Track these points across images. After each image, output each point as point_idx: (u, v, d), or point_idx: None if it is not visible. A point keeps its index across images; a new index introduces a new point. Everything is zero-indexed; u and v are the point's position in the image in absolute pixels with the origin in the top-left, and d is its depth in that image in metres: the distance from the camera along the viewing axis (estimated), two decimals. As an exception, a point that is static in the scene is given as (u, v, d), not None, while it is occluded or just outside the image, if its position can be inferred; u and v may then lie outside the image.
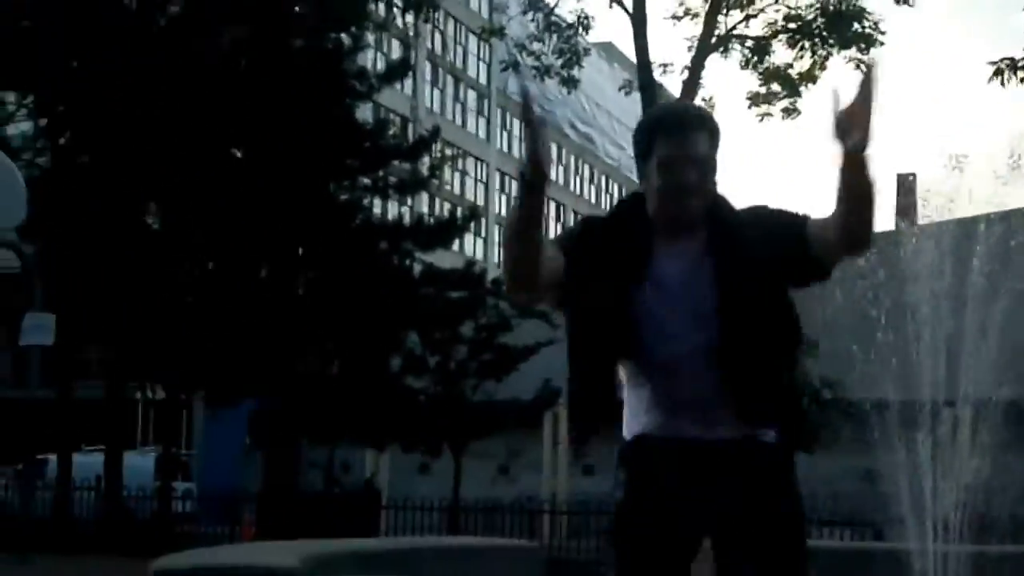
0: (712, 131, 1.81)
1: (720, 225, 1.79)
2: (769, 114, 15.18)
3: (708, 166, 1.78)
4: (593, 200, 45.76)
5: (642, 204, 1.80)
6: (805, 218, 1.77)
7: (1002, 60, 11.75)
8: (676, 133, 1.75)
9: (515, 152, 38.22)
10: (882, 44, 14.86)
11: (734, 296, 1.73)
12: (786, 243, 1.71)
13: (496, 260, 34.31)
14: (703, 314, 1.74)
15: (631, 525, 1.80)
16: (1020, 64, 11.54)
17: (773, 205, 1.85)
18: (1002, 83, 11.85)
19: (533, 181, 1.60)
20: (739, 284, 1.74)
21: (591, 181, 45.97)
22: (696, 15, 14.82)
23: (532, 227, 1.66)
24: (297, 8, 14.40)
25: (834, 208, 1.64)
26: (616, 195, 44.74)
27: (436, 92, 33.11)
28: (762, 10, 14.87)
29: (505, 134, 38.76)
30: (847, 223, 1.63)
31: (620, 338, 1.75)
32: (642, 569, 1.78)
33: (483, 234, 32.81)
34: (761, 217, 1.81)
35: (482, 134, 37.09)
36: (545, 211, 1.72)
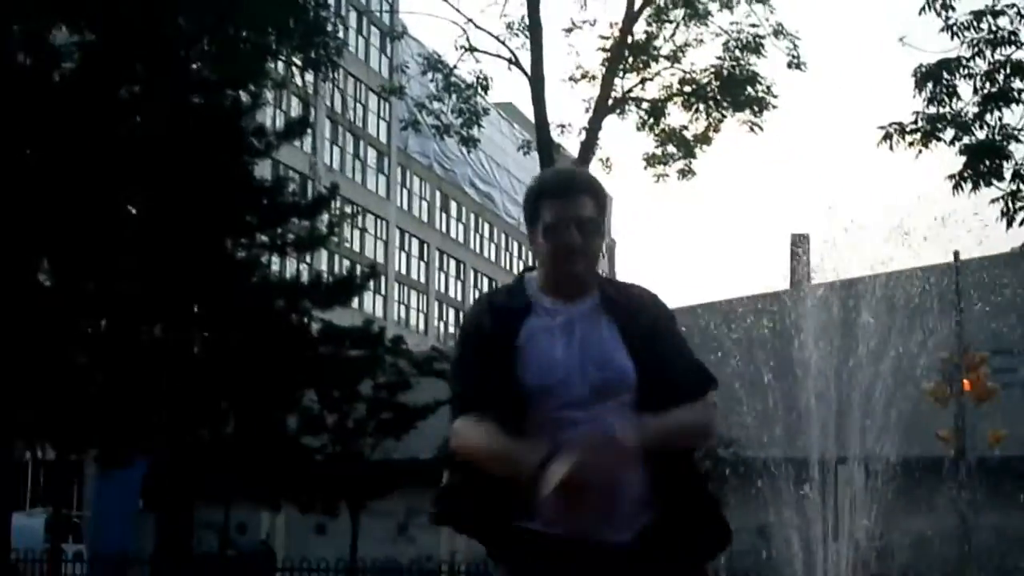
0: (597, 194, 1.84)
1: (613, 291, 1.83)
2: (665, 175, 15.59)
3: (594, 228, 1.80)
4: (493, 258, 46.85)
5: (520, 283, 1.84)
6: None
7: (891, 124, 12.22)
8: (561, 196, 1.78)
9: (414, 210, 40.54)
10: (775, 107, 15.42)
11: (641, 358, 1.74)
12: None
13: (395, 317, 35.11)
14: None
15: None
16: (908, 128, 12.07)
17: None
18: (890, 147, 12.29)
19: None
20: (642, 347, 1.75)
21: (491, 239, 46.66)
22: (593, 77, 15.32)
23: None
24: (195, 65, 14.43)
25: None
26: (516, 253, 46.97)
27: (336, 150, 33.83)
28: (658, 73, 15.42)
29: (404, 192, 39.43)
30: None
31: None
32: None
33: (382, 292, 33.45)
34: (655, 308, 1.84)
35: (382, 192, 37.75)
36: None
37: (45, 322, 13.74)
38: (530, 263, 2.12)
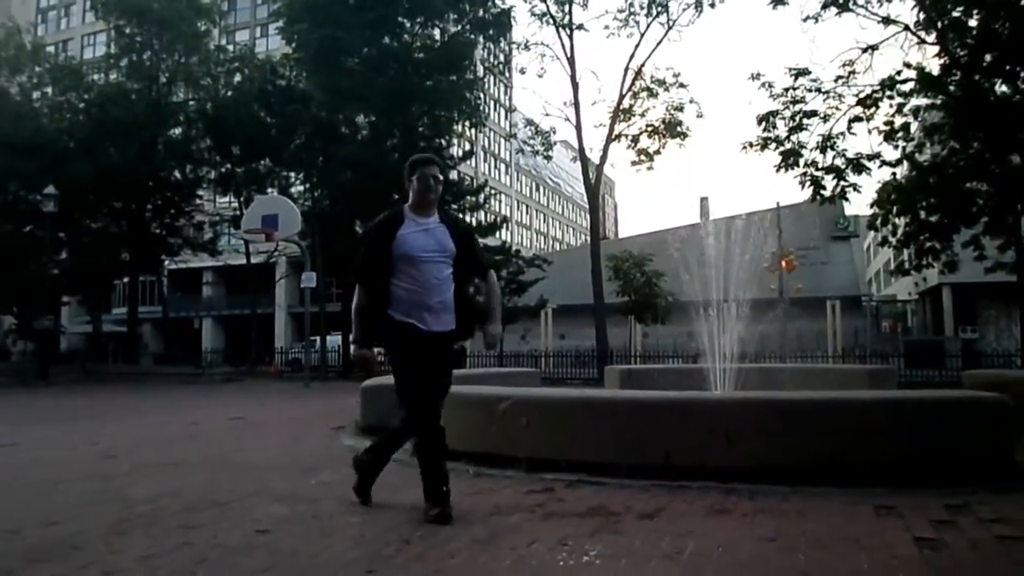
0: (441, 167, 4.21)
1: (446, 215, 4.25)
2: (639, 169, 31.47)
3: (439, 183, 4.12)
4: (560, 211, 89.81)
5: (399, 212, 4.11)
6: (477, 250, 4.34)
7: (746, 142, 20.78)
8: (427, 165, 4.12)
9: (524, 190, 79.16)
10: (689, 136, 31.15)
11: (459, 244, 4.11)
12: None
13: (516, 240, 62.85)
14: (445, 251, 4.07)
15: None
16: (754, 143, 20.52)
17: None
18: (746, 152, 27.53)
19: (360, 347, 4.22)
20: (459, 239, 4.16)
21: (557, 204, 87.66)
22: (604, 125, 31.18)
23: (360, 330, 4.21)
24: (420, 128, 30.40)
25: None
26: (567, 208, 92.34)
27: (487, 164, 60.83)
28: (635, 122, 31.12)
29: (518, 183, 75.11)
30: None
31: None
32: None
33: (509, 229, 57.86)
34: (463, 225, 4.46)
35: (506, 182, 69.06)
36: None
37: None
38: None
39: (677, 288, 22.02)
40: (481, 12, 29.47)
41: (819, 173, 20.27)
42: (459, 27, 30.06)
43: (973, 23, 19.09)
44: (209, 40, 37.73)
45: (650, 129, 30.26)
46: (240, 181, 31.87)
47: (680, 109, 30.11)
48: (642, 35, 28.61)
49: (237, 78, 34.55)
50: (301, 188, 31.09)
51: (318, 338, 29.19)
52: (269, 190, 30.47)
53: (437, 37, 30.62)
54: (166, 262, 38.79)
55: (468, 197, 30.87)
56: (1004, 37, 18.35)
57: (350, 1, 27.59)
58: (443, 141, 30.52)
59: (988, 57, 18.98)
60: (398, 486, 4.70)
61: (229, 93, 33.33)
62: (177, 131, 35.36)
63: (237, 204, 33.34)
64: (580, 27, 28.73)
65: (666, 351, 26.39)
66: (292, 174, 31.15)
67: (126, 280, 40.38)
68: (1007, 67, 18.96)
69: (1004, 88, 19.89)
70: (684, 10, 28.80)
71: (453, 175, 32.74)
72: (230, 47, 41.20)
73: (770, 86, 21.18)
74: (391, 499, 4.51)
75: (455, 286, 4.08)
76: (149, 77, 35.94)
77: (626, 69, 28.59)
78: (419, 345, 3.94)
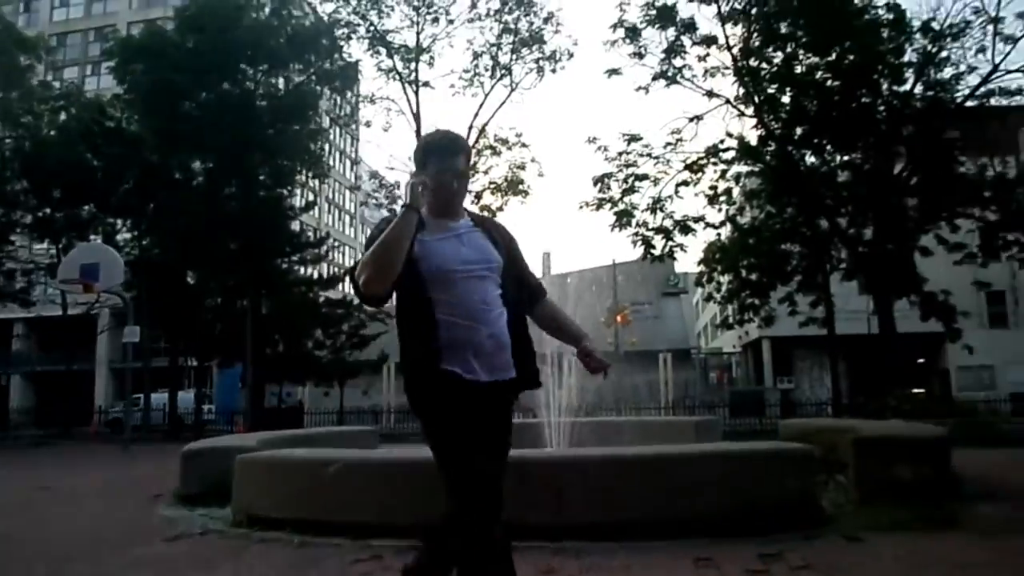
0: (468, 153, 2.89)
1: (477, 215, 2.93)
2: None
3: (466, 178, 2.86)
4: None
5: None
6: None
7: (583, 201, 27.57)
8: (444, 156, 2.77)
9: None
10: (529, 194, 32.13)
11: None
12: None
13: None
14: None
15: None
16: (591, 203, 25.33)
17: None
18: (583, 210, 28.75)
19: (414, 204, 2.59)
20: (505, 244, 2.86)
21: None
22: None
23: (407, 237, 2.58)
24: (261, 177, 29.52)
25: (548, 315, 2.99)
26: None
27: (330, 216, 55.99)
28: (478, 180, 31.73)
29: (362, 234, 66.27)
30: (546, 325, 2.99)
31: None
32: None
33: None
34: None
35: (351, 234, 64.75)
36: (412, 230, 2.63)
37: (192, 301, 28.74)
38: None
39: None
40: (328, 64, 29.26)
41: (649, 233, 21.45)
42: (304, 77, 29.68)
43: (786, 100, 20.91)
44: (32, 75, 35.22)
45: (493, 186, 30.74)
46: (59, 226, 29.59)
47: (522, 167, 30.86)
48: (486, 95, 29.34)
49: (62, 117, 32.32)
50: (128, 236, 29.30)
51: (142, 396, 27.56)
52: (92, 237, 28.47)
53: (281, 86, 30.08)
54: (-32, 313, 35.25)
55: (310, 250, 30.17)
56: (812, 113, 20.22)
57: (189, 44, 26.68)
58: (285, 191, 29.83)
59: (799, 130, 20.81)
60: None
61: (52, 132, 31.08)
62: (-12, 170, 32.41)
63: (55, 251, 30.89)
64: (426, 84, 29.15)
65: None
66: (119, 221, 29.32)
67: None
68: (815, 140, 20.88)
69: (813, 159, 21.86)
70: (527, 74, 29.80)
71: (295, 226, 32.01)
72: (56, 84, 38.66)
73: (605, 149, 22.33)
74: None
75: (508, 312, 2.81)
76: (-40, 111, 32.96)
77: (470, 127, 29.14)
78: (468, 403, 2.69)
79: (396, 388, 31.41)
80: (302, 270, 30.92)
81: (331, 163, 39.13)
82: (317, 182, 32.66)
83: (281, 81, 30.11)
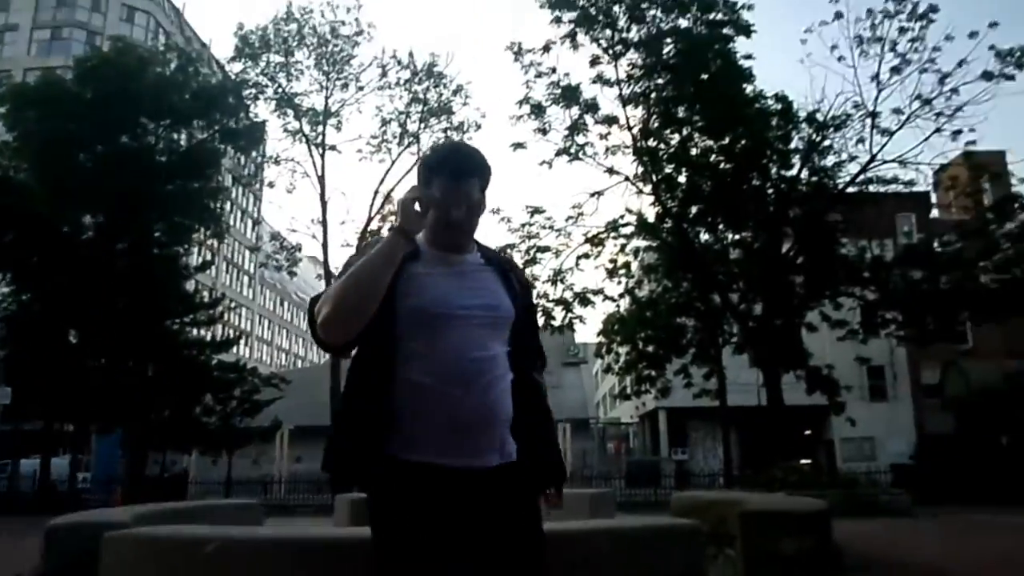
0: (484, 174, 2.17)
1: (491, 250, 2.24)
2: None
3: (479, 208, 2.15)
4: (303, 328, 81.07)
5: None
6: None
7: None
8: (454, 176, 2.12)
9: (267, 304, 74.83)
10: None
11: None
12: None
13: (255, 357, 57.56)
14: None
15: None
16: None
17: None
18: None
19: (405, 227, 1.95)
20: (521, 292, 2.19)
21: (304, 321, 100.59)
22: (351, 245, 31.34)
23: (388, 269, 1.94)
24: (157, 233, 28.43)
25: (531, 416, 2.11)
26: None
27: (227, 275, 55.73)
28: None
29: (261, 296, 70.19)
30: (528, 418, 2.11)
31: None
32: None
33: (247, 344, 51.26)
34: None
35: (250, 295, 64.80)
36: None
37: (72, 361, 27.14)
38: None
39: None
40: (233, 122, 28.90)
41: (550, 304, 21.65)
42: (208, 134, 29.18)
43: (682, 179, 21.84)
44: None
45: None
46: (-73, 279, 27.77)
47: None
48: (393, 162, 29.59)
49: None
50: (6, 290, 27.67)
51: (9, 462, 25.86)
52: (-36, 291, 26.82)
53: (184, 142, 29.46)
54: None
55: (203, 311, 29.16)
56: (707, 193, 21.15)
57: (87, 95, 25.90)
58: (181, 249, 28.91)
59: (694, 209, 21.70)
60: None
61: (-73, 179, 29.26)
62: None
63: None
64: (332, 148, 29.12)
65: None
66: (-1, 274, 27.71)
67: None
68: (709, 219, 21.79)
69: (707, 237, 22.79)
70: (434, 143, 30.13)
71: (189, 285, 30.96)
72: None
73: (508, 220, 22.71)
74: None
75: (514, 378, 2.10)
76: None
77: (376, 192, 29.16)
78: (429, 502, 1.92)
79: (288, 457, 30.36)
80: (194, 331, 29.64)
81: (231, 222, 38.41)
82: (215, 241, 31.85)
83: (184, 137, 29.51)
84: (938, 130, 20.05)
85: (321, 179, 28.52)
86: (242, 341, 41.40)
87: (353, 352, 2.07)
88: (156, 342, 27.02)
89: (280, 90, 28.83)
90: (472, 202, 2.15)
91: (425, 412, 1.96)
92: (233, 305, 48.41)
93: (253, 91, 28.68)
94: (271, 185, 30.07)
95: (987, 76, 19.21)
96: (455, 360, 1.99)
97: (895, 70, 20.33)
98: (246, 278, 65.99)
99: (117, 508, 12.21)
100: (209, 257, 34.76)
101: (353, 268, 2.00)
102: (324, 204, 28.57)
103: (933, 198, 28.41)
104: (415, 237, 2.04)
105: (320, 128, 28.90)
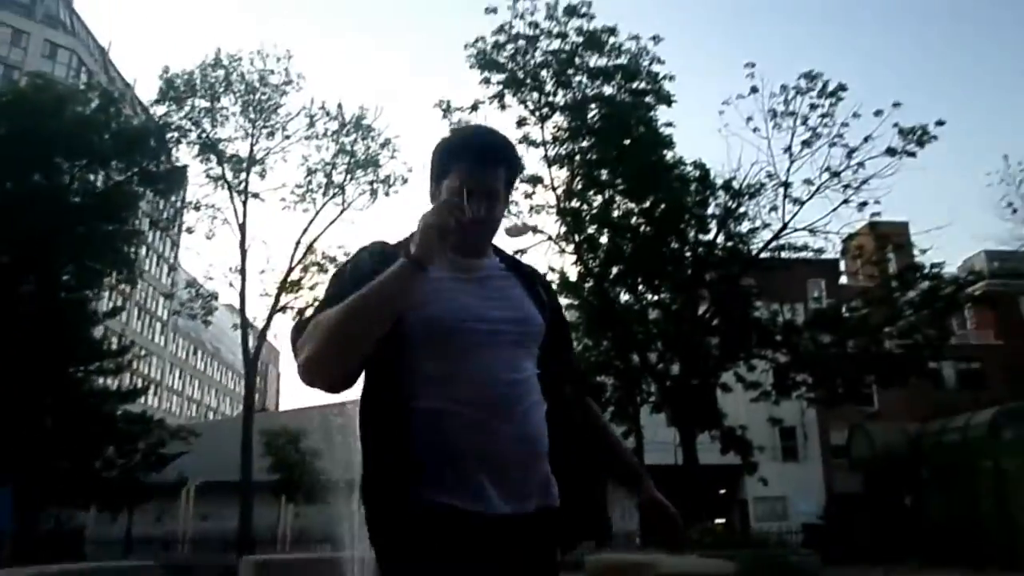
0: (511, 162, 1.84)
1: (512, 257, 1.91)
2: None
3: (500, 199, 1.81)
4: (218, 379, 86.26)
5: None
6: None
7: None
8: (474, 165, 1.77)
9: (179, 353, 73.43)
10: None
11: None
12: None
13: (164, 407, 57.21)
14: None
15: None
16: None
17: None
18: None
19: (421, 256, 1.55)
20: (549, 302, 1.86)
21: (217, 369, 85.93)
22: (269, 294, 30.57)
23: (393, 305, 1.58)
24: (65, 277, 27.34)
25: (600, 443, 1.95)
26: (228, 377, 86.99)
27: (139, 322, 56.06)
28: (303, 296, 30.90)
29: (173, 344, 68.47)
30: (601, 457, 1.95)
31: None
32: None
33: (156, 394, 50.15)
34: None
35: (161, 342, 64.06)
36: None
37: None
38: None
39: (331, 466, 22.06)
40: (153, 165, 28.24)
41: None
42: (126, 176, 28.40)
43: (604, 240, 22.34)
44: None
45: (318, 303, 30.15)
46: None
47: (355, 281, 30.53)
48: (317, 212, 29.26)
49: None
50: None
51: None
52: None
53: (100, 183, 28.61)
54: None
55: (110, 359, 27.99)
56: (627, 254, 21.65)
57: (1, 131, 24.99)
58: (90, 293, 27.82)
59: (615, 269, 22.18)
60: None
61: None
62: None
63: None
64: (256, 196, 28.71)
65: (316, 535, 25.38)
66: None
67: None
68: (629, 279, 22.29)
69: (627, 297, 23.26)
70: (360, 194, 30.03)
71: (97, 331, 29.72)
72: None
73: (427, 280, 22.74)
74: None
75: (548, 404, 1.78)
76: None
77: (298, 243, 28.80)
78: (468, 554, 1.61)
79: (195, 515, 29.12)
80: (100, 380, 28.37)
81: (146, 267, 37.30)
82: (128, 286, 30.79)
83: (101, 178, 28.67)
84: (846, 201, 21.06)
85: (242, 227, 28.03)
86: (151, 391, 39.69)
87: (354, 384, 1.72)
88: (58, 390, 25.79)
89: (204, 135, 28.38)
90: (494, 195, 1.79)
91: (451, 447, 1.63)
92: (143, 353, 46.62)
93: (176, 135, 28.16)
94: (190, 231, 29.31)
95: (891, 152, 20.35)
96: (487, 383, 1.66)
97: (806, 143, 21.37)
98: (159, 325, 63.78)
99: (4, 570, 11.28)
100: (120, 302, 33.52)
101: (350, 301, 1.61)
102: (244, 252, 28.04)
103: (842, 265, 29.79)
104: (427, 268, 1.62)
105: (243, 175, 28.50)
